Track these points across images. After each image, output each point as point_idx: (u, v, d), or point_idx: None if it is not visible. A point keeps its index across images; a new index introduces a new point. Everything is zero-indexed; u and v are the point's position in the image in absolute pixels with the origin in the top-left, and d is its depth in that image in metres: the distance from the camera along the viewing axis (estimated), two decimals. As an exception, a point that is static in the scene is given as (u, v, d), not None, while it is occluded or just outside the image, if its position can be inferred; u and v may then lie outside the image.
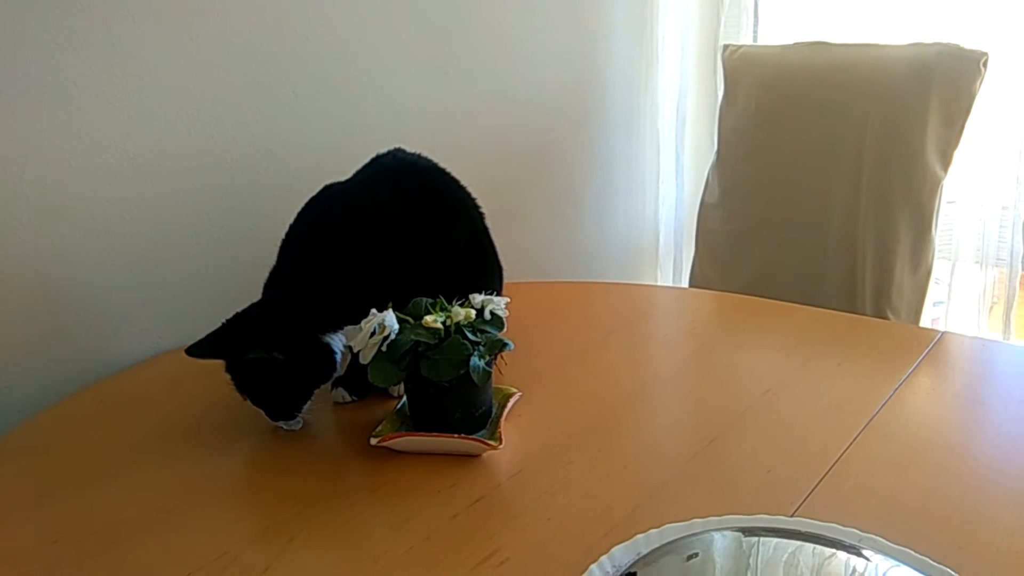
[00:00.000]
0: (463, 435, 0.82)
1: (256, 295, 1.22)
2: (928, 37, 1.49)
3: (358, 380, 0.93)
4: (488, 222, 1.06)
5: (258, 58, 1.19)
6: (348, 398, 0.95)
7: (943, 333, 1.08)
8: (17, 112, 0.98)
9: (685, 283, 1.93)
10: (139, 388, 1.04)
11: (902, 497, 0.73)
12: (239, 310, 0.89)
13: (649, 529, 0.66)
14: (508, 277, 1.08)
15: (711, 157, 1.73)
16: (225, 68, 1.15)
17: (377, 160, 1.01)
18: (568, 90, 1.72)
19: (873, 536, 0.64)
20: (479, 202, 1.05)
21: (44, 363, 1.04)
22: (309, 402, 0.88)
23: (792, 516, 0.70)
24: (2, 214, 0.98)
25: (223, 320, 0.88)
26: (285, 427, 0.89)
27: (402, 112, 1.39)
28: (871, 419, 0.86)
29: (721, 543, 0.65)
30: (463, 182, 1.05)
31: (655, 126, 1.94)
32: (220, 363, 0.99)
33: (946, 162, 1.47)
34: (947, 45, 1.44)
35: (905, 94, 1.47)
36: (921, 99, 1.45)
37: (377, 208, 0.95)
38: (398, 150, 1.00)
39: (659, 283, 2.05)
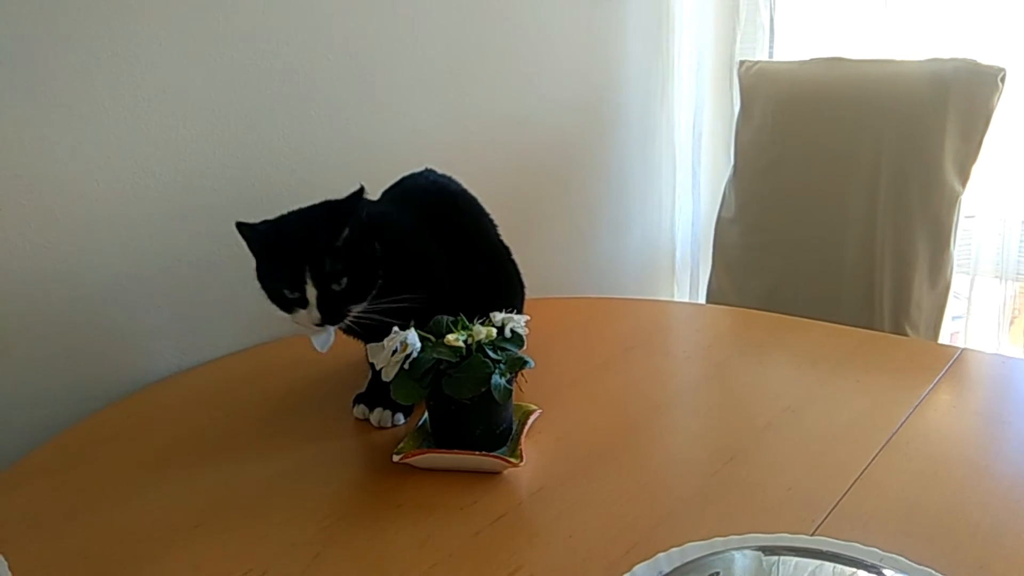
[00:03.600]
0: (484, 452, 0.83)
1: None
2: (945, 53, 1.49)
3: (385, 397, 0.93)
4: (505, 237, 1.08)
5: (280, 77, 1.21)
6: (365, 414, 0.96)
7: (963, 349, 1.07)
8: (47, 135, 1.00)
9: (702, 298, 1.93)
10: (165, 404, 1.05)
11: (924, 515, 0.73)
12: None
13: (671, 547, 0.67)
14: (525, 293, 1.09)
15: (728, 172, 1.74)
16: (248, 88, 1.17)
17: (409, 179, 1.03)
18: (585, 106, 1.74)
19: (894, 555, 0.65)
20: (496, 219, 1.08)
21: (71, 379, 1.06)
22: (361, 305, 0.87)
23: (813, 535, 0.70)
24: (32, 234, 1.01)
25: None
26: (318, 345, 0.87)
27: (422, 129, 1.41)
28: (891, 436, 0.87)
29: (742, 562, 0.66)
30: (481, 198, 1.07)
31: (671, 141, 1.95)
32: (246, 379, 1.01)
33: (964, 177, 1.47)
34: (964, 60, 1.44)
35: (922, 109, 1.47)
36: (938, 114, 1.45)
37: (408, 226, 0.96)
38: (428, 171, 1.02)
39: (675, 298, 2.05)
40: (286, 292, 0.86)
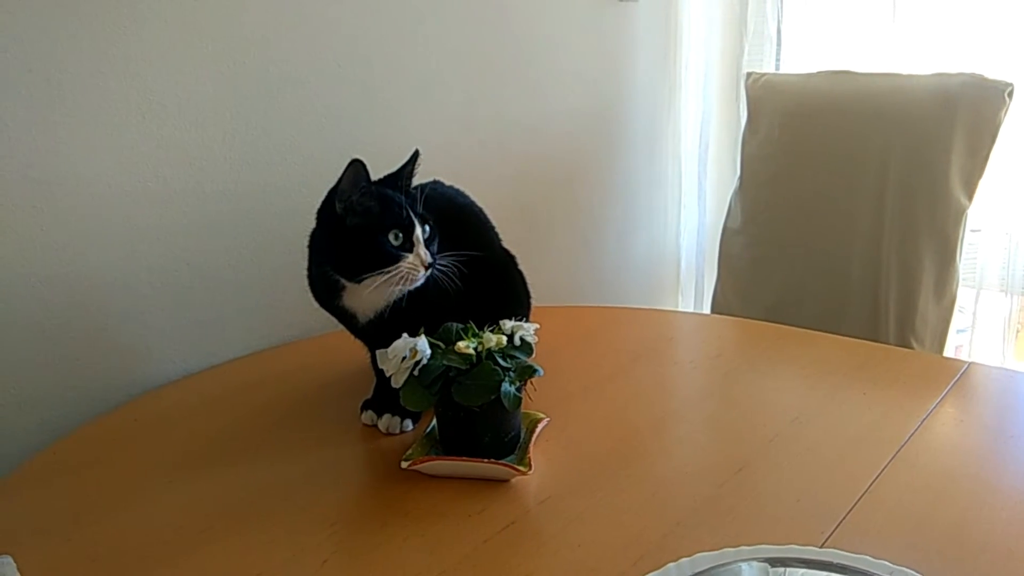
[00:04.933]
0: (493, 460, 0.83)
1: (289, 317, 1.25)
2: (952, 67, 1.50)
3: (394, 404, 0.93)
4: (511, 245, 1.08)
5: (292, 85, 1.21)
6: (373, 420, 0.96)
7: (970, 363, 1.07)
8: (60, 137, 1.01)
9: (706, 308, 1.93)
10: (172, 408, 1.05)
11: (933, 529, 0.73)
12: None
13: (680, 558, 0.67)
14: (532, 302, 1.09)
15: (733, 183, 1.74)
16: (260, 94, 1.18)
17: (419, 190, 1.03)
18: (592, 117, 1.74)
19: (905, 569, 0.65)
20: (503, 228, 1.08)
21: (78, 381, 1.06)
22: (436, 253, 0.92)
23: (822, 547, 0.70)
24: (45, 236, 1.01)
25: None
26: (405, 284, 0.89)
27: (433, 138, 1.41)
28: (899, 450, 0.87)
29: (751, 574, 0.66)
30: (489, 206, 1.07)
31: (678, 151, 1.95)
32: (253, 384, 1.01)
33: (970, 191, 1.47)
34: (971, 75, 1.45)
35: (929, 123, 1.47)
36: (945, 129, 1.45)
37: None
38: (436, 183, 1.02)
39: (680, 307, 2.05)
40: (392, 239, 0.88)
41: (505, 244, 1.09)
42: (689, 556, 0.67)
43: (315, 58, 1.23)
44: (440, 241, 0.93)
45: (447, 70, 1.43)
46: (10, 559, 0.70)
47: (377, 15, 1.30)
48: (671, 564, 0.66)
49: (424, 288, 0.91)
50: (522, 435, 0.88)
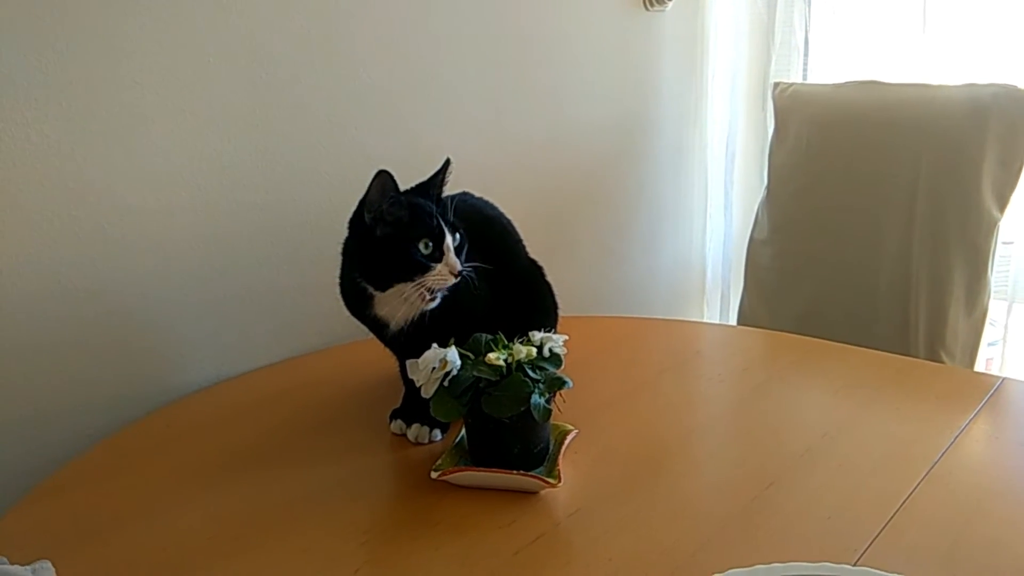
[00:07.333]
0: (522, 472, 0.83)
1: (319, 326, 1.26)
2: (982, 78, 1.48)
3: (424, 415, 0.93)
4: (537, 255, 1.09)
5: (323, 100, 1.23)
6: (402, 429, 0.97)
7: (1004, 379, 1.06)
8: (98, 148, 1.02)
9: (732, 319, 1.92)
10: (204, 415, 1.06)
11: (968, 549, 0.72)
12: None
13: (713, 574, 0.67)
14: (559, 313, 1.09)
15: (760, 194, 1.73)
16: (293, 108, 1.19)
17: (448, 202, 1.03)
18: (618, 126, 1.74)
19: (941, 589, 0.64)
20: (530, 238, 1.08)
21: (111, 389, 1.08)
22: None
23: (855, 564, 0.70)
24: (81, 247, 1.03)
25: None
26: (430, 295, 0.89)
27: (459, 150, 1.40)
28: (932, 466, 0.86)
29: (783, 590, 0.65)
30: (516, 217, 1.08)
31: (704, 162, 1.95)
32: (283, 392, 1.02)
33: (1003, 203, 1.45)
34: (1003, 86, 1.43)
35: (960, 135, 1.46)
36: (976, 140, 1.44)
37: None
38: (466, 194, 1.03)
39: (706, 319, 2.04)
40: (422, 248, 0.88)
41: (531, 254, 1.09)
42: (721, 572, 0.67)
43: (342, 72, 1.25)
44: (468, 251, 0.94)
45: (473, 81, 1.43)
46: (49, 564, 0.72)
47: (402, 30, 1.31)
48: (703, 580, 0.66)
49: (454, 297, 0.92)
50: (551, 447, 0.88)
